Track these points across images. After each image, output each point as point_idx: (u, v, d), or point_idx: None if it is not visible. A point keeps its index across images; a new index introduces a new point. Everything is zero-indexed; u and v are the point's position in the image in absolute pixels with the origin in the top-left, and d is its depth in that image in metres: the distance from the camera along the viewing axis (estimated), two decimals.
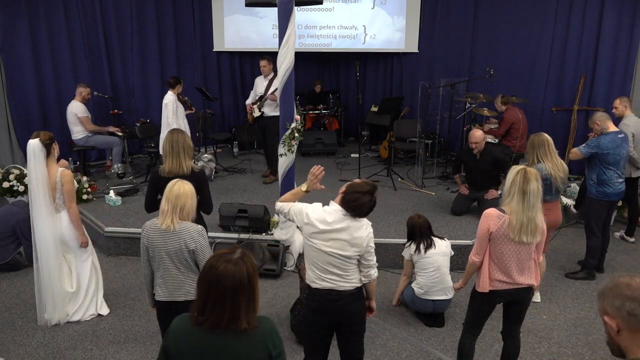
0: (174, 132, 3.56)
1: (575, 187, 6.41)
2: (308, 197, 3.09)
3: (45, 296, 3.91)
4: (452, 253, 4.17)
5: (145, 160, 7.85)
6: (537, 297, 4.41)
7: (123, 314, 4.20)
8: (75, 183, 5.58)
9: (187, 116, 6.68)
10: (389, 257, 4.96)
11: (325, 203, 2.82)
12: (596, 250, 4.76)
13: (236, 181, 7.04)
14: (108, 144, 7.03)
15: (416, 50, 8.75)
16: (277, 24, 4.57)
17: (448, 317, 4.17)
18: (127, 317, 4.16)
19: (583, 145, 4.58)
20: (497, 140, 6.49)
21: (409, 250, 4.06)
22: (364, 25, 8.81)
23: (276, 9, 4.47)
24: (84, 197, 6.04)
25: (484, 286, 2.97)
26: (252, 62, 8.98)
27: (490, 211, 2.93)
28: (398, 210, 5.85)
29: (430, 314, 4.10)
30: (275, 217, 5.15)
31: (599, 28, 6.77)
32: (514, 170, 2.90)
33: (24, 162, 3.80)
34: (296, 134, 4.74)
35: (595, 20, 6.81)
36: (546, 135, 4.06)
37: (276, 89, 6.23)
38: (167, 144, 3.48)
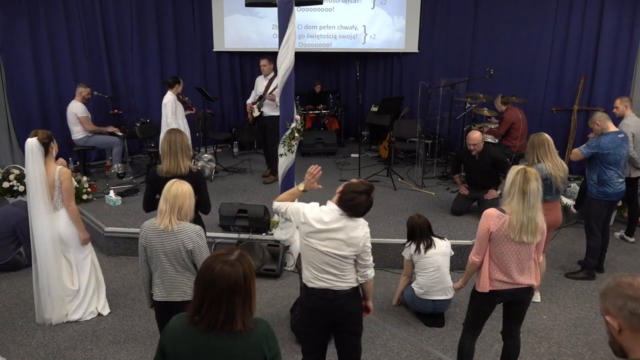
0: (172, 132, 3.56)
1: (575, 187, 6.41)
2: (306, 197, 3.09)
3: (44, 296, 3.91)
4: (452, 253, 4.17)
5: (145, 160, 7.85)
6: (537, 297, 4.41)
7: (123, 314, 4.20)
8: (75, 182, 5.61)
9: (188, 116, 6.68)
10: (389, 257, 4.96)
11: (324, 203, 2.82)
12: (596, 250, 4.76)
13: (236, 181, 7.04)
14: (108, 144, 7.03)
15: (416, 50, 8.75)
16: (277, 24, 4.56)
17: (448, 317, 4.17)
18: (127, 317, 4.16)
19: (583, 145, 4.58)
20: (497, 140, 6.49)
21: (409, 250, 4.06)
22: (364, 25, 8.81)
23: (276, 9, 4.46)
24: (84, 197, 6.04)
25: (484, 286, 2.97)
26: (252, 62, 8.98)
27: (491, 211, 2.93)
28: (398, 210, 5.85)
29: (430, 314, 4.10)
30: (275, 217, 5.15)
31: (599, 28, 6.77)
32: (514, 170, 2.90)
33: (24, 162, 3.80)
34: (296, 134, 4.73)
35: (595, 20, 6.81)
36: (546, 135, 4.06)
37: (274, 88, 6.25)
38: (164, 144, 3.49)
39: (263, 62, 6.61)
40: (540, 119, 7.39)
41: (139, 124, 7.18)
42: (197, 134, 7.51)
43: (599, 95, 6.89)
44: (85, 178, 6.26)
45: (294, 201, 2.97)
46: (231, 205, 5.26)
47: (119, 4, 7.65)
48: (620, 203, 5.73)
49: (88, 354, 3.67)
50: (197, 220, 3.21)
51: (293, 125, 4.70)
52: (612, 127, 4.52)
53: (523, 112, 6.42)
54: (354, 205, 2.65)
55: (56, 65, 7.29)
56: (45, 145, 3.71)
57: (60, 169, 3.78)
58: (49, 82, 7.28)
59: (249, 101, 6.92)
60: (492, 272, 2.96)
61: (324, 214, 2.72)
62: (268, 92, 6.50)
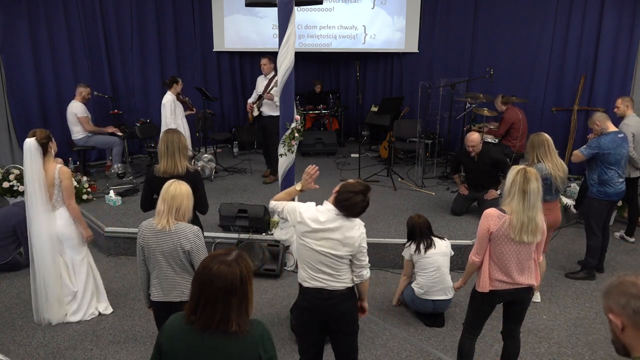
0: (169, 132, 3.56)
1: (575, 187, 6.41)
2: (304, 196, 3.08)
3: (40, 296, 3.90)
4: (452, 253, 4.17)
5: (145, 160, 7.86)
6: (537, 297, 4.41)
7: (123, 314, 4.20)
8: (75, 182, 5.61)
9: (188, 116, 6.68)
10: (389, 257, 4.95)
11: (321, 203, 2.82)
12: (596, 250, 4.76)
13: (236, 181, 7.04)
14: (108, 144, 7.03)
15: (416, 50, 8.75)
16: (277, 24, 4.56)
17: (448, 317, 4.17)
18: (127, 317, 4.16)
19: (584, 146, 4.58)
20: (497, 140, 6.49)
21: (409, 250, 4.06)
22: (364, 25, 8.81)
23: (276, 9, 4.47)
24: (84, 197, 6.04)
25: (484, 286, 2.97)
26: (252, 62, 8.98)
27: (491, 211, 2.93)
28: (398, 210, 5.85)
29: (430, 314, 4.10)
30: (275, 217, 5.14)
31: (599, 28, 6.77)
32: (514, 170, 2.90)
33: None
34: (296, 134, 4.74)
35: (595, 20, 6.81)
36: (546, 135, 4.06)
37: (272, 87, 6.25)
38: (162, 144, 3.48)
39: (263, 61, 6.61)
40: (540, 119, 7.39)
41: (139, 124, 7.19)
42: (197, 134, 7.51)
43: (599, 95, 6.89)
44: (85, 178, 6.25)
45: (291, 200, 2.97)
46: (231, 205, 5.26)
47: (119, 4, 7.65)
48: (620, 203, 5.73)
49: (88, 354, 3.67)
50: (194, 220, 3.20)
51: (293, 125, 4.71)
52: (611, 127, 4.52)
53: (523, 112, 6.42)
54: (350, 205, 2.65)
55: (56, 65, 7.29)
56: (44, 145, 3.70)
57: (60, 168, 3.78)
58: (49, 82, 7.28)
59: (250, 100, 6.93)
60: (492, 272, 2.96)
61: (320, 213, 2.72)
62: (266, 92, 6.50)
